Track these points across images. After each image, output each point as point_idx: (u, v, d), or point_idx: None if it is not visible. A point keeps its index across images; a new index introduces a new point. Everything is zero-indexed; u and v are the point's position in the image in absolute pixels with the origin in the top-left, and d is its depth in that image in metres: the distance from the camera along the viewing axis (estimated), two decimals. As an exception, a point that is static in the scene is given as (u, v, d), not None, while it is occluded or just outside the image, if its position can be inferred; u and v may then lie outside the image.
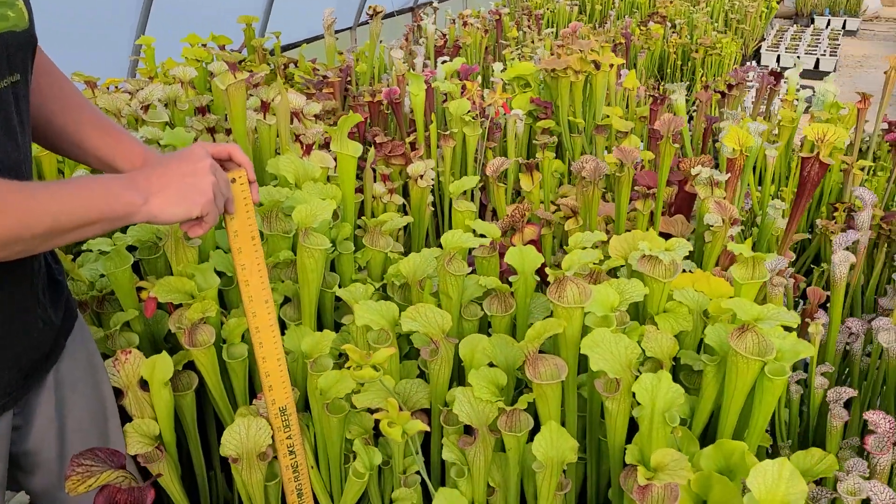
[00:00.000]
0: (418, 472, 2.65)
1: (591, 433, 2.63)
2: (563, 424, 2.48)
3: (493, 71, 5.66)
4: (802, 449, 2.44)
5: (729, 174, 3.32)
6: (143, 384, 2.58)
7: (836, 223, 4.46)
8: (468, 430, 2.70)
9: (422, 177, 4.15)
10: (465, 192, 3.65)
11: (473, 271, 2.99)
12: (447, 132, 4.64)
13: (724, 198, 3.29)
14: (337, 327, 3.14)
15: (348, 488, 2.61)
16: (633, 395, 2.23)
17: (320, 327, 3.01)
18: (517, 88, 5.37)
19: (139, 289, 2.75)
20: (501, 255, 3.55)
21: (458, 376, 2.83)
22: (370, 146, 4.68)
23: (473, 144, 4.72)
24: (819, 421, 3.01)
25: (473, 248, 2.97)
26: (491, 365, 2.58)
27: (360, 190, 4.31)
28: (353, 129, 5.01)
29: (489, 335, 2.80)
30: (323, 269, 2.75)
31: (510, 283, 2.77)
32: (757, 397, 2.41)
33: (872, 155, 5.06)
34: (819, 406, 2.86)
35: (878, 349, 3.05)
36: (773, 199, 4.32)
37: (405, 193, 4.89)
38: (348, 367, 2.18)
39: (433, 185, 4.71)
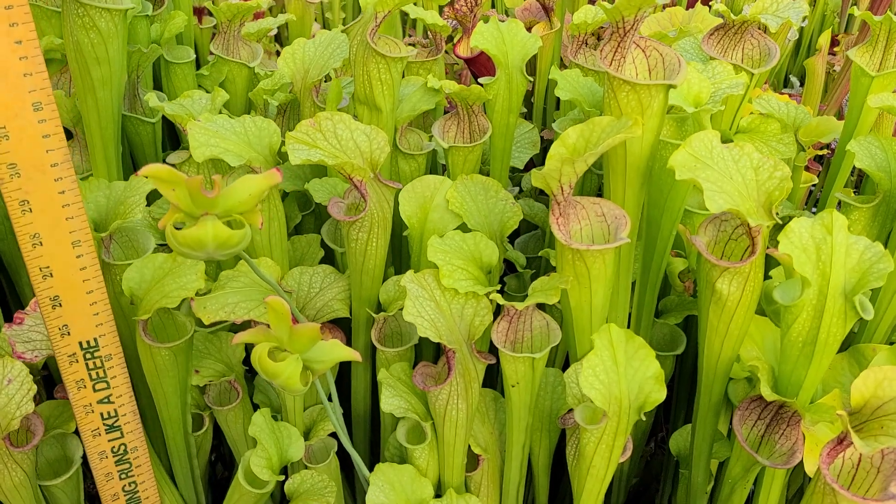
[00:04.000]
0: (333, 435, 1.45)
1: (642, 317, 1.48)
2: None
3: None
4: None
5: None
6: None
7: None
8: (421, 351, 1.51)
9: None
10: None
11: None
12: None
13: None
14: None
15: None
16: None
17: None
18: None
19: None
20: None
21: (397, 259, 1.61)
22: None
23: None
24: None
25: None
26: (464, 229, 1.37)
27: (202, 11, 2.91)
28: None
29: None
30: (123, 67, 1.40)
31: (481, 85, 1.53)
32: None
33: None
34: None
35: None
36: None
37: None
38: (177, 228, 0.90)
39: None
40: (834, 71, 3.05)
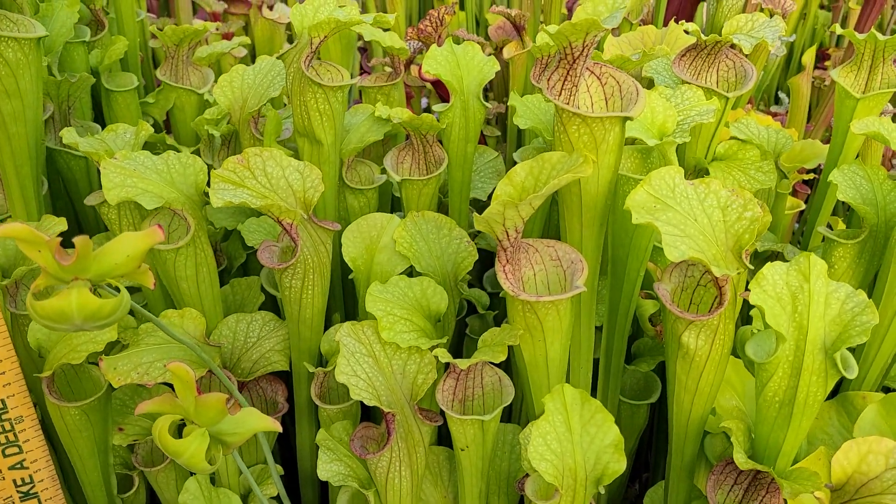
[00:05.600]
0: (276, 498, 1.33)
1: (611, 374, 1.36)
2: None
3: None
4: None
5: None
6: None
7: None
8: (367, 410, 1.39)
9: (271, 7, 2.70)
10: None
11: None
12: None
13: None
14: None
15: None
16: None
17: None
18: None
19: None
20: (408, 98, 2.20)
21: (350, 303, 1.49)
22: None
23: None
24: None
25: (357, 79, 1.59)
26: (411, 273, 1.25)
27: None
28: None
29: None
30: (39, 100, 1.29)
31: (436, 116, 1.42)
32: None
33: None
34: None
35: None
36: None
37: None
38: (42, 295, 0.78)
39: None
40: (825, 86, 2.94)
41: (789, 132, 1.74)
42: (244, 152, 1.15)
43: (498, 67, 1.44)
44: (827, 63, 3.32)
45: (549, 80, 1.00)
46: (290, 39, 3.21)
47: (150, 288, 0.81)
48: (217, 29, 2.95)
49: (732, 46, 1.41)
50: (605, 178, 1.04)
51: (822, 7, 3.96)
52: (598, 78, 1.05)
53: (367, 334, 1.12)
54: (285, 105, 1.81)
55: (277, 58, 1.37)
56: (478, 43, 2.27)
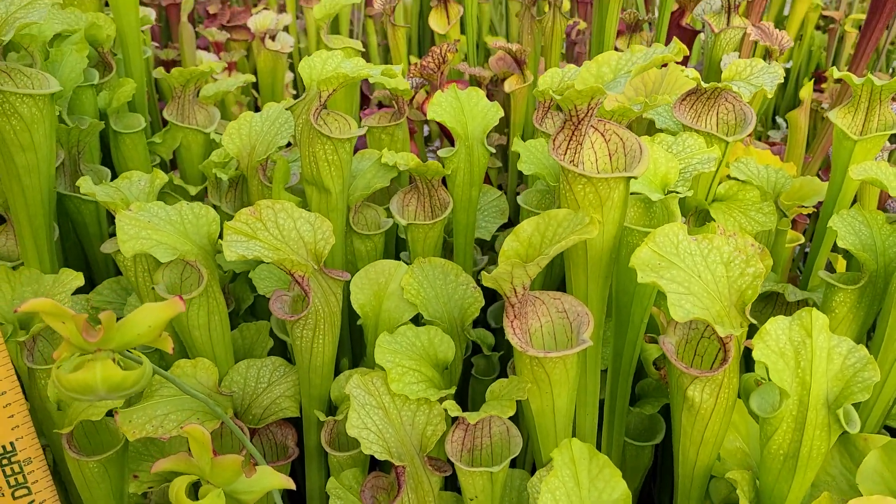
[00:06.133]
0: (284, 543, 1.34)
1: (615, 420, 1.38)
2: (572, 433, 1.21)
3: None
4: None
5: (757, -8, 2.09)
6: None
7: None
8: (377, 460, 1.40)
9: (273, 37, 2.72)
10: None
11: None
12: (309, -18, 3.21)
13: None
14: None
15: None
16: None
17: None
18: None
19: None
20: (411, 132, 2.23)
21: (357, 347, 1.51)
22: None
23: None
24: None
25: (360, 125, 1.62)
26: (419, 321, 1.27)
27: (171, 63, 2.83)
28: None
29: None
30: (52, 151, 1.31)
31: (440, 161, 1.44)
32: (949, 347, 1.22)
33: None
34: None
35: None
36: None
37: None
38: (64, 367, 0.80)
39: (292, 58, 3.31)
40: (822, 108, 2.97)
41: (788, 166, 1.77)
42: (256, 204, 1.17)
43: (502, 113, 1.46)
44: (824, 85, 3.34)
45: (554, 140, 1.02)
46: (292, 68, 3.25)
47: (170, 353, 0.83)
48: (221, 57, 2.98)
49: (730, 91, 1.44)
50: (609, 233, 1.07)
51: (818, 28, 4.01)
52: (602, 135, 1.08)
53: (376, 385, 1.14)
54: (289, 144, 1.83)
55: (287, 109, 1.40)
56: (478, 75, 2.31)
